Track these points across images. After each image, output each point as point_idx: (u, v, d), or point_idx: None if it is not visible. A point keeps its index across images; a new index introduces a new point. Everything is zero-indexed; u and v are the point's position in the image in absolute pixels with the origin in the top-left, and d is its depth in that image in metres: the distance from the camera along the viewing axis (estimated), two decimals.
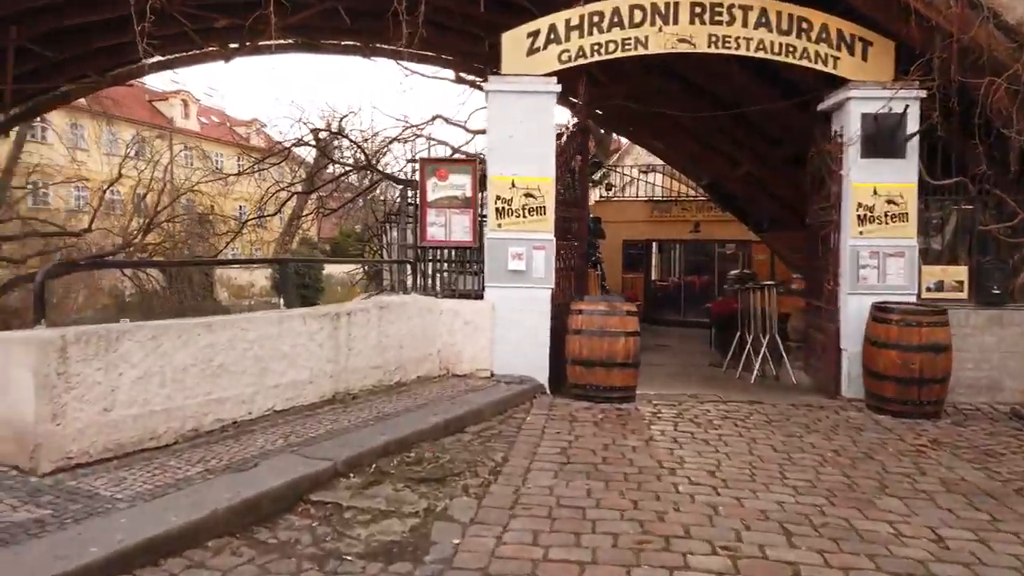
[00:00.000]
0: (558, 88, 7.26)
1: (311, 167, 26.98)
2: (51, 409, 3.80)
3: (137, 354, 4.27)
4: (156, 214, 30.63)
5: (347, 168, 18.93)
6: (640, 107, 10.34)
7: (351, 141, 18.01)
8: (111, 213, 31.82)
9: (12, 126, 17.54)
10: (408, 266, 7.80)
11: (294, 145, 18.36)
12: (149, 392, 4.34)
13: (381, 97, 41.08)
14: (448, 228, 7.47)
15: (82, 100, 31.44)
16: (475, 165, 7.52)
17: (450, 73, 19.31)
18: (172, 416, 4.49)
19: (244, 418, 5.02)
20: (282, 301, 5.62)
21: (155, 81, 43.00)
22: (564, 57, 7.31)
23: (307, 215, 20.70)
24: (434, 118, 20.39)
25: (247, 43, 15.70)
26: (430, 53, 17.15)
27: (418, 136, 21.33)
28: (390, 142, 20.60)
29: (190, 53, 15.68)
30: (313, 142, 19.59)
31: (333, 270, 45.82)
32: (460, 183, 7.45)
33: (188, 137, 41.40)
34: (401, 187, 19.39)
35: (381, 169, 19.61)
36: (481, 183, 7.50)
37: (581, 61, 7.36)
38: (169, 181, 32.64)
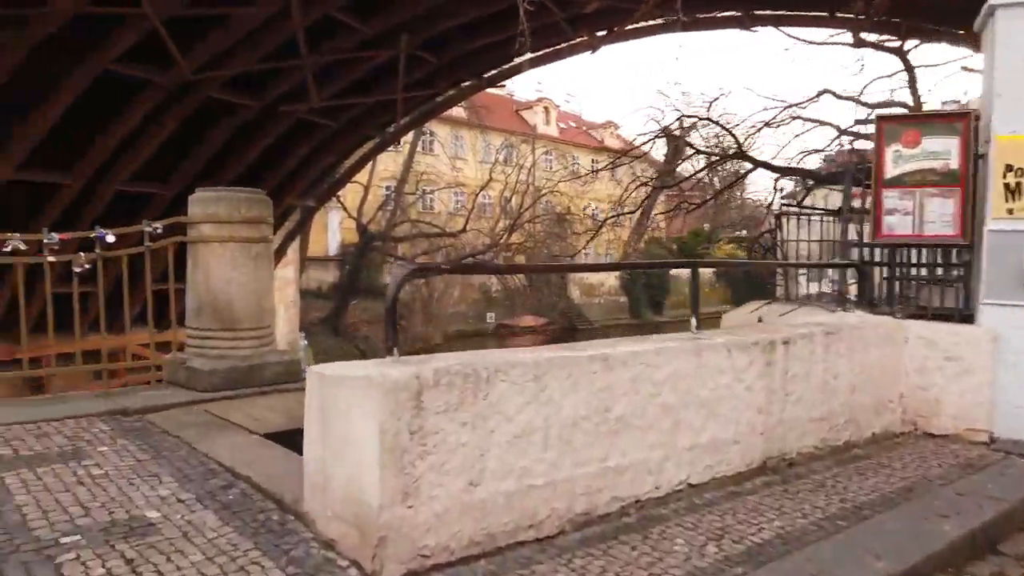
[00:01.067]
0: None
1: (666, 158, 25.50)
2: (401, 484, 2.58)
3: (514, 401, 2.92)
4: (520, 215, 32.19)
5: (714, 157, 16.97)
6: None
7: (721, 127, 16.02)
8: (482, 215, 34.35)
9: (402, 135, 19.14)
10: (856, 273, 5.59)
11: (657, 136, 16.97)
12: (528, 457, 2.97)
13: (748, 79, 37.92)
14: (918, 217, 5.11)
15: (461, 112, 34.56)
16: (967, 122, 5.01)
17: (845, 37, 16.20)
18: (557, 492, 3.07)
19: (649, 496, 3.43)
20: (694, 321, 3.94)
21: (520, 91, 45.85)
22: None
23: (666, 212, 19.16)
24: (820, 93, 17.37)
25: (614, 28, 14.77)
26: (823, 13, 14.40)
27: (795, 118, 18.49)
28: (761, 127, 18.15)
29: (558, 47, 15.23)
30: (677, 131, 18.07)
31: (680, 270, 44.12)
32: (939, 150, 5.03)
33: (549, 142, 43.24)
34: (788, 177, 16.79)
35: (753, 157, 17.30)
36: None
37: None
38: (531, 184, 34.18)
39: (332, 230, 33.21)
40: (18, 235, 4.56)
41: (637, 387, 3.37)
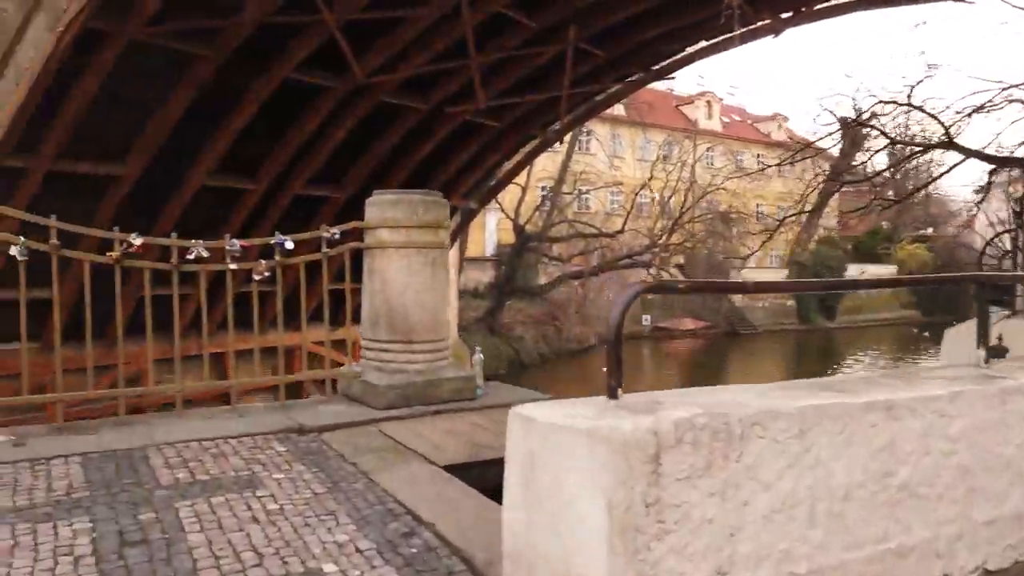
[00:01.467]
0: None
1: (842, 151, 23.07)
2: (635, 573, 1.98)
3: (773, 465, 2.23)
4: (681, 215, 30.80)
5: (916, 148, 15.02)
6: None
7: (927, 113, 14.15)
8: (639, 215, 33.25)
9: (565, 133, 18.62)
10: None
11: (848, 126, 15.31)
12: (789, 537, 2.26)
13: (946, 59, 33.72)
14: None
15: (620, 111, 33.67)
16: None
17: None
18: None
19: None
20: (982, 353, 3.04)
21: (681, 85, 44.19)
22: None
23: (856, 212, 17.28)
24: None
25: (802, 8, 13.38)
26: None
27: (1013, 101, 16.06)
28: (971, 112, 15.89)
29: (736, 33, 14.05)
30: (864, 120, 16.24)
31: (853, 271, 40.66)
32: None
33: (711, 138, 41.29)
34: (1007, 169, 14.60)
35: (963, 146, 15.16)
36: None
37: None
38: (693, 182, 32.63)
39: (489, 231, 33.52)
40: (201, 242, 4.46)
41: (927, 444, 2.55)
